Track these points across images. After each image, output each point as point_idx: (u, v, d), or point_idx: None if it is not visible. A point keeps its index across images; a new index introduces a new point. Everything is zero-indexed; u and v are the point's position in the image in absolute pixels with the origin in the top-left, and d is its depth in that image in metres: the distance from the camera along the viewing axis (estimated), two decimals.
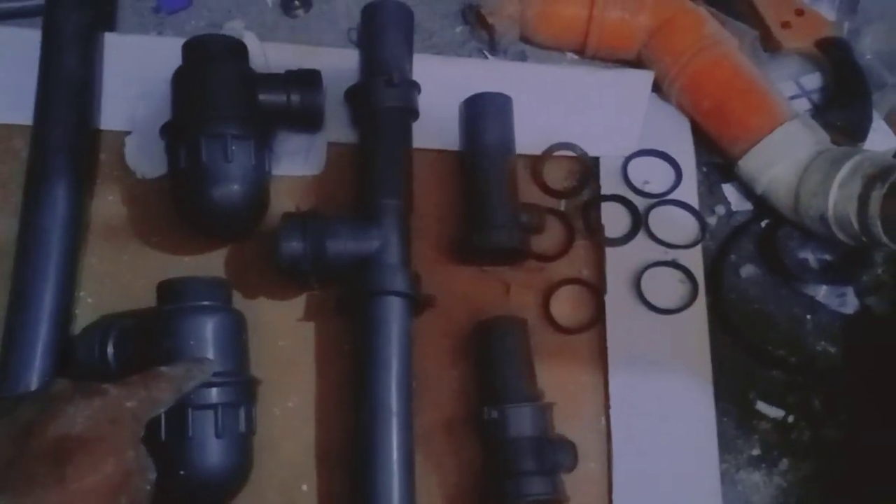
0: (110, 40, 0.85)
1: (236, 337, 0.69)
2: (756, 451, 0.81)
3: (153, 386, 0.60)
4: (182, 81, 0.77)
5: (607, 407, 0.78)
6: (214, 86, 0.75)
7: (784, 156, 0.82)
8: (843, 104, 0.89)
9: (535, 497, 0.70)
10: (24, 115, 0.79)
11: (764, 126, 0.83)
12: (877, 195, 0.74)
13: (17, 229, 0.74)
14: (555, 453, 0.72)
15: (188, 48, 0.78)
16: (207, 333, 0.67)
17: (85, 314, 0.77)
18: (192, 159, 0.73)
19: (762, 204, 0.87)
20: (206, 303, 0.68)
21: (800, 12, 0.93)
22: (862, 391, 0.83)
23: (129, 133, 0.83)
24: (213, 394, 0.65)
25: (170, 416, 0.64)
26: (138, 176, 0.82)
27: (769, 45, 0.93)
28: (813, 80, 0.93)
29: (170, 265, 0.79)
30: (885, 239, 0.75)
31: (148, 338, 0.68)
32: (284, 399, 0.76)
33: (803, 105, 0.92)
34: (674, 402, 0.79)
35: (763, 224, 0.88)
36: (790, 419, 0.82)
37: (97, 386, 0.58)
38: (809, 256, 0.87)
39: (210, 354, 0.66)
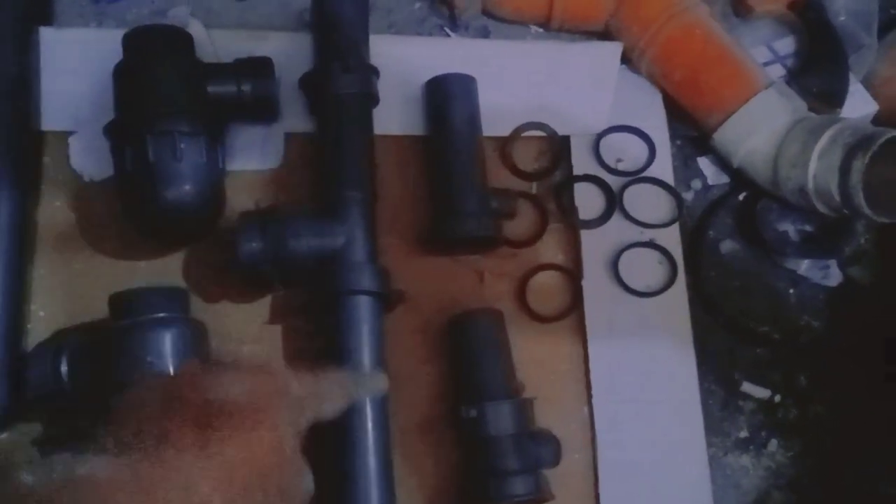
0: (46, 35, 0.80)
1: (197, 349, 0.66)
2: (743, 433, 0.79)
3: (324, 381, 0.55)
4: (124, 77, 0.73)
5: (589, 396, 0.77)
6: (159, 80, 0.71)
7: (760, 126, 0.79)
8: (819, 68, 0.86)
9: (518, 498, 0.68)
10: None
11: (738, 96, 0.80)
12: (858, 165, 0.71)
13: None
14: (537, 449, 0.70)
15: (129, 40, 0.73)
16: (166, 348, 0.63)
17: (38, 328, 0.73)
18: (139, 160, 0.69)
19: (739, 177, 0.85)
20: (161, 315, 0.65)
21: None
22: (847, 364, 0.81)
23: (73, 133, 0.78)
24: None
25: None
26: (86, 179, 0.78)
27: (740, 8, 0.89)
28: (787, 45, 0.90)
29: (125, 272, 0.75)
30: (867, 210, 0.72)
31: (103, 356, 0.64)
32: None
33: (778, 71, 0.89)
34: (657, 386, 0.77)
35: (741, 197, 0.86)
36: (776, 398, 0.80)
37: (267, 362, 0.53)
38: (790, 228, 0.84)
39: (170, 370, 0.63)
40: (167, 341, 0.63)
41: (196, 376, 0.50)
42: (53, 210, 0.77)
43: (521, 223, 0.81)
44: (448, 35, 0.89)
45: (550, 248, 0.82)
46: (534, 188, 0.83)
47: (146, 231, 0.74)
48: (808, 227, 0.85)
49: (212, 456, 0.45)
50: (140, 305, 0.65)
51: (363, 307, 0.70)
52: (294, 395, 0.51)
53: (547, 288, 0.80)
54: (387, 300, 0.73)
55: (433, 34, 0.89)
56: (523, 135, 0.84)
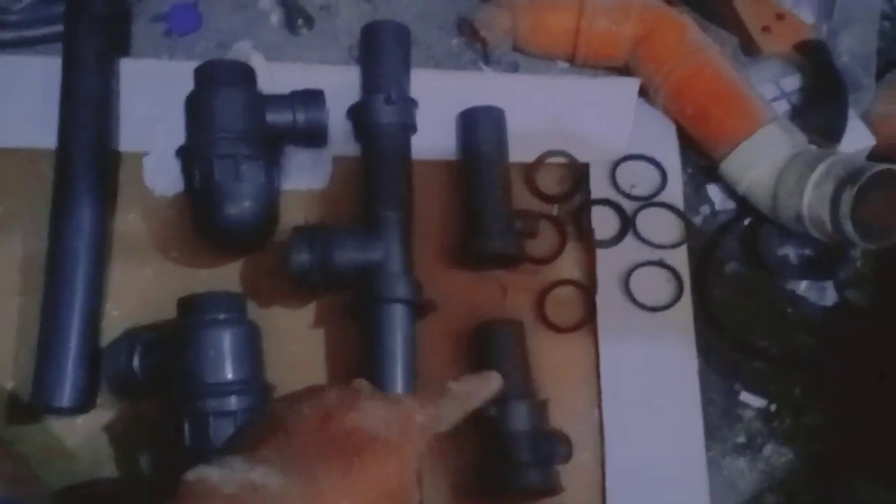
0: (125, 65, 0.89)
1: (251, 347, 0.74)
2: (741, 439, 0.85)
3: (441, 403, 0.59)
4: (194, 106, 0.81)
5: (600, 400, 0.83)
6: (225, 109, 0.80)
7: (762, 158, 0.86)
8: (821, 105, 0.92)
9: (531, 487, 0.75)
10: (48, 139, 0.83)
11: (743, 130, 0.87)
12: (847, 196, 0.78)
13: (46, 248, 0.79)
14: (550, 446, 0.77)
15: (199, 74, 0.82)
16: (225, 345, 0.72)
17: (111, 327, 0.81)
18: (206, 179, 0.78)
19: (744, 203, 0.91)
20: (222, 316, 0.73)
21: (780, 16, 0.95)
22: (839, 379, 0.88)
23: (146, 154, 0.87)
24: (233, 401, 0.70)
25: (193, 423, 0.69)
26: (156, 194, 0.86)
27: (750, 49, 0.96)
28: (793, 82, 0.96)
29: (188, 278, 0.83)
30: (855, 237, 0.79)
31: (171, 350, 0.73)
32: None
33: (783, 106, 0.95)
34: (662, 394, 0.84)
35: (746, 222, 0.92)
36: (772, 408, 0.87)
37: (392, 394, 0.58)
38: (790, 252, 0.91)
39: (228, 364, 0.71)
40: (227, 339, 0.72)
41: (348, 402, 0.53)
42: (127, 221, 0.85)
43: (542, 242, 0.88)
44: (481, 69, 0.98)
45: (568, 266, 0.88)
46: (555, 210, 0.91)
47: (210, 241, 0.82)
48: (807, 251, 0.91)
49: (353, 482, 0.49)
50: (205, 307, 0.73)
51: (398, 314, 0.78)
52: (417, 423, 0.55)
53: (564, 301, 0.87)
54: (419, 308, 0.80)
55: (468, 68, 0.98)
56: (547, 161, 0.91)
